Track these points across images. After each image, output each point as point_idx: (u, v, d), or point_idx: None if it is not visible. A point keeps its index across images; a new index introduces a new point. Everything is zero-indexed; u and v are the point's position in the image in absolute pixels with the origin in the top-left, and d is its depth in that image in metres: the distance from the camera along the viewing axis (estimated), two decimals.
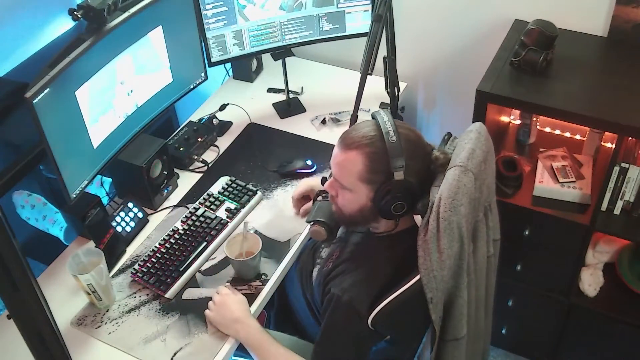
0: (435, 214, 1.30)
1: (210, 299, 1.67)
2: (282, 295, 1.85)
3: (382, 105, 2.29)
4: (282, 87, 2.31)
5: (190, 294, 1.71)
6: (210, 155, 2.14)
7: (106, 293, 1.65)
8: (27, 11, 2.17)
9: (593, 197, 1.97)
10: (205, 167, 2.08)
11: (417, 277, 1.34)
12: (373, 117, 1.42)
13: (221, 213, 1.89)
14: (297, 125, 2.24)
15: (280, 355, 1.49)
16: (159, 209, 1.96)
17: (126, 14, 1.66)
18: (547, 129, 2.26)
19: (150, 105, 1.90)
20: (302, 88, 2.41)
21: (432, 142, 1.48)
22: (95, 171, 1.74)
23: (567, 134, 2.24)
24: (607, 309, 2.11)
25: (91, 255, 1.64)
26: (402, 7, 2.22)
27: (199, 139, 2.13)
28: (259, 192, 1.96)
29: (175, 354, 1.56)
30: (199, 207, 1.90)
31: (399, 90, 2.15)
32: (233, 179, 1.99)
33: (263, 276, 1.73)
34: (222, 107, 2.28)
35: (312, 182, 1.86)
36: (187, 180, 2.05)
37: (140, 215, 1.89)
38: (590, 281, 2.13)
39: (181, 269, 1.73)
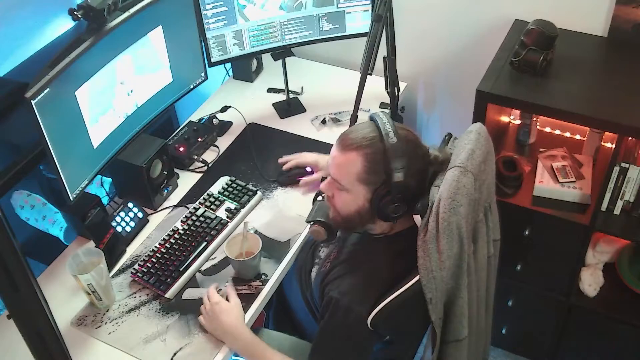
0: (434, 214, 1.30)
1: None
2: (281, 294, 1.86)
3: (382, 105, 2.29)
4: (282, 87, 2.32)
5: (190, 294, 1.71)
6: (210, 155, 2.14)
7: (106, 293, 1.65)
8: (27, 11, 2.17)
9: (593, 197, 1.97)
10: (205, 167, 2.08)
11: (417, 278, 1.34)
12: (371, 119, 1.42)
13: (221, 213, 1.89)
14: (297, 125, 2.24)
15: None
16: (159, 209, 1.96)
17: (126, 14, 1.66)
18: (547, 129, 2.26)
19: (150, 105, 1.90)
20: (302, 88, 2.41)
21: (432, 142, 1.48)
22: (95, 171, 1.74)
23: (567, 134, 2.24)
24: (607, 309, 2.11)
25: (91, 255, 1.64)
26: (402, 7, 2.22)
27: (199, 139, 2.13)
28: (259, 192, 1.96)
29: (175, 354, 1.56)
30: (199, 207, 1.90)
31: (399, 90, 2.15)
32: (233, 179, 1.99)
33: (263, 276, 1.73)
34: (224, 109, 2.28)
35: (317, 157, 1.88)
36: (187, 180, 2.05)
37: (140, 215, 1.89)
38: (590, 281, 2.13)
39: (181, 269, 1.73)
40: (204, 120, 2.21)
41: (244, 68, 2.45)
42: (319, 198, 1.63)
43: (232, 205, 1.91)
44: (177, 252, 1.77)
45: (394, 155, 1.33)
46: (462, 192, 1.29)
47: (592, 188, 1.99)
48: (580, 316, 2.16)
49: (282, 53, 2.22)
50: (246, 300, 1.65)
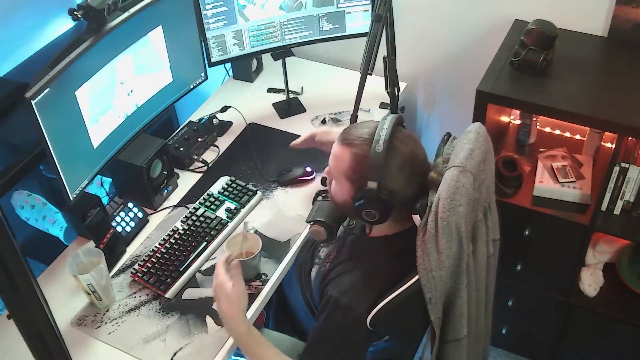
0: (433, 214, 1.30)
1: (210, 299, 1.67)
2: (281, 294, 1.86)
3: (382, 105, 2.29)
4: (282, 87, 2.32)
5: (190, 294, 1.71)
6: (210, 155, 2.14)
7: (106, 293, 1.65)
8: (27, 11, 2.17)
9: (593, 197, 1.97)
10: (205, 167, 2.08)
11: (416, 278, 1.34)
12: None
13: (221, 213, 1.89)
14: (297, 125, 2.24)
15: (268, 357, 1.47)
16: (159, 209, 1.96)
17: (126, 14, 1.66)
18: (547, 129, 2.26)
19: (150, 105, 1.90)
20: (302, 88, 2.41)
21: (432, 142, 1.48)
22: (95, 171, 1.74)
23: (567, 134, 2.24)
24: (607, 309, 2.11)
25: (91, 255, 1.65)
26: (402, 7, 2.22)
27: (199, 139, 2.13)
28: (259, 192, 1.96)
29: (175, 354, 1.56)
30: (199, 207, 1.90)
31: (399, 90, 2.15)
32: (233, 179, 1.99)
33: (263, 276, 1.73)
34: (224, 109, 2.28)
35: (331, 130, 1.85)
36: (187, 180, 2.05)
37: (140, 215, 1.89)
38: (590, 281, 2.13)
39: (181, 269, 1.73)
40: (204, 120, 2.21)
41: (244, 68, 2.45)
42: (319, 198, 1.63)
43: (232, 205, 1.91)
44: (177, 252, 1.77)
45: (373, 164, 1.33)
46: (461, 191, 1.29)
47: (592, 188, 1.99)
48: (580, 316, 2.16)
49: (282, 53, 2.22)
50: None
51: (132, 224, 1.86)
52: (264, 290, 1.70)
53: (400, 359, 1.61)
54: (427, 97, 2.51)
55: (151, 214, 1.94)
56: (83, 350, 1.59)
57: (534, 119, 2.17)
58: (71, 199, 1.65)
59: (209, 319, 1.64)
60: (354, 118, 2.01)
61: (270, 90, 2.43)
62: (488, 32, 2.17)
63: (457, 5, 2.18)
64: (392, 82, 2.09)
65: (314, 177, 2.02)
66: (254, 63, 2.46)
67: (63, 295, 1.72)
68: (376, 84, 2.13)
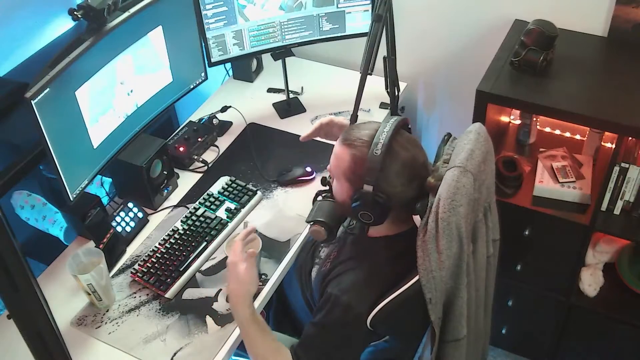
0: (434, 214, 1.30)
1: (210, 299, 1.67)
2: (281, 294, 1.86)
3: (382, 105, 2.29)
4: (282, 87, 2.32)
5: (190, 294, 1.71)
6: (210, 155, 2.14)
7: (106, 293, 1.65)
8: (27, 11, 2.17)
9: (593, 197, 1.97)
10: (205, 167, 2.08)
11: (416, 278, 1.34)
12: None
13: (221, 213, 1.89)
14: (297, 125, 2.24)
15: (266, 346, 1.47)
16: (159, 209, 1.96)
17: (126, 14, 1.66)
18: (547, 129, 2.26)
19: (150, 105, 1.90)
20: (302, 88, 2.41)
21: (432, 142, 1.48)
22: (95, 171, 1.74)
23: (567, 134, 2.24)
24: (607, 309, 2.11)
25: (91, 255, 1.65)
26: (402, 7, 2.22)
27: (199, 139, 2.13)
28: (259, 192, 1.96)
29: (175, 354, 1.56)
30: (199, 207, 1.90)
31: (399, 90, 2.15)
32: (233, 179, 1.99)
33: (263, 276, 1.73)
34: (224, 109, 2.28)
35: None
36: (187, 180, 2.05)
37: (140, 215, 1.89)
38: (590, 281, 2.13)
39: (181, 269, 1.73)
40: (204, 120, 2.21)
41: (244, 68, 2.45)
42: (319, 198, 1.63)
43: (232, 205, 1.91)
44: (177, 252, 1.77)
45: (370, 167, 1.34)
46: (461, 192, 1.29)
47: (592, 188, 1.99)
48: (580, 316, 2.16)
49: (282, 53, 2.22)
50: None
51: (132, 224, 1.86)
52: (264, 290, 1.70)
53: (400, 359, 1.61)
54: (427, 97, 2.51)
55: (151, 214, 1.94)
56: (83, 350, 1.59)
57: (534, 119, 2.17)
58: (71, 199, 1.65)
59: (209, 319, 1.64)
60: (354, 118, 2.01)
61: (270, 90, 2.43)
62: (488, 32, 2.17)
63: (457, 5, 2.18)
64: (392, 82, 2.09)
65: (314, 177, 2.02)
66: (254, 63, 2.46)
67: (63, 295, 1.72)
68: (376, 84, 2.13)
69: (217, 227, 1.84)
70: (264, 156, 2.12)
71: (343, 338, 1.41)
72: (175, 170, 2.04)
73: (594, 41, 2.03)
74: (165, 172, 1.95)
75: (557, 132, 2.25)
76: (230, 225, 1.87)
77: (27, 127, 1.49)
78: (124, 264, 1.80)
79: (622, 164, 1.84)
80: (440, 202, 1.28)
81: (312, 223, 1.56)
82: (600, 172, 2.02)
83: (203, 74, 2.07)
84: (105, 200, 1.97)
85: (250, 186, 1.97)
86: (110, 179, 2.07)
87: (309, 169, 2.01)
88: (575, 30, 2.05)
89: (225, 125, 2.24)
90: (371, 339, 1.46)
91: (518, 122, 2.25)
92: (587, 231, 1.95)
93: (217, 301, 1.68)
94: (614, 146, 1.83)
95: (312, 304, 1.65)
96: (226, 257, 1.72)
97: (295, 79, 2.37)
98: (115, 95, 1.74)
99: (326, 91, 2.40)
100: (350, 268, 1.46)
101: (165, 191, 1.98)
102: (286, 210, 1.93)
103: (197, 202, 1.93)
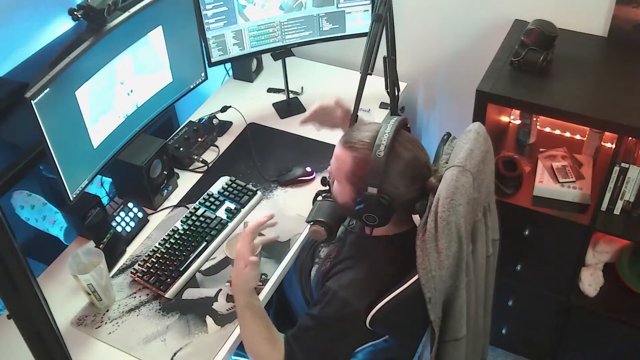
0: (433, 214, 1.30)
1: (210, 299, 1.67)
2: (281, 294, 1.86)
3: (382, 105, 2.29)
4: (282, 87, 2.32)
5: (190, 294, 1.71)
6: (210, 155, 2.14)
7: (106, 293, 1.65)
8: (27, 11, 2.17)
9: (593, 197, 1.97)
10: (205, 167, 2.08)
11: (416, 277, 1.34)
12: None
13: (221, 213, 1.89)
14: (297, 125, 2.22)
15: (258, 333, 1.47)
16: (159, 209, 1.96)
17: (126, 14, 1.66)
18: (547, 129, 2.26)
19: (150, 105, 1.90)
20: (302, 88, 2.41)
21: (432, 142, 1.47)
22: (95, 171, 1.74)
23: (567, 134, 2.24)
24: (607, 309, 2.11)
25: (91, 255, 1.65)
26: (402, 7, 2.22)
27: (199, 139, 2.13)
28: (259, 192, 1.96)
29: (175, 354, 1.56)
30: (199, 207, 1.90)
31: (399, 90, 2.15)
32: (233, 179, 1.99)
33: (263, 276, 1.73)
34: (224, 109, 2.28)
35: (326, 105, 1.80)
36: (187, 180, 2.05)
37: (140, 215, 1.89)
38: (590, 281, 2.13)
39: (181, 269, 1.73)
40: (204, 120, 2.21)
41: (244, 68, 2.45)
42: (319, 198, 1.63)
43: (232, 205, 1.91)
44: (177, 252, 1.77)
45: (374, 170, 1.33)
46: (460, 191, 1.29)
47: (592, 188, 1.99)
48: (580, 316, 2.16)
49: (282, 53, 2.22)
50: None
51: (132, 224, 1.86)
52: (264, 290, 1.70)
53: (399, 359, 1.61)
54: (427, 97, 2.51)
55: (151, 214, 1.94)
56: (83, 350, 1.59)
57: (534, 119, 2.17)
58: (71, 199, 1.65)
59: (209, 319, 1.64)
60: (354, 118, 2.01)
61: (270, 90, 2.43)
62: (488, 32, 2.17)
63: (457, 5, 2.18)
64: (392, 82, 2.08)
65: (314, 177, 2.02)
66: (254, 63, 2.46)
67: (63, 295, 1.72)
68: (376, 84, 2.13)
69: (217, 227, 1.84)
70: (264, 156, 2.12)
71: (337, 332, 1.40)
72: (175, 170, 2.04)
73: (594, 41, 2.03)
74: (165, 172, 1.95)
75: (557, 132, 2.25)
76: (230, 225, 1.87)
77: (27, 127, 1.49)
78: (124, 264, 1.80)
79: (622, 164, 1.84)
80: (439, 201, 1.28)
81: (312, 223, 1.56)
82: (600, 172, 2.02)
83: (203, 74, 2.07)
84: (105, 200, 1.97)
85: (250, 186, 1.97)
86: (110, 179, 2.07)
87: (309, 169, 2.01)
88: (575, 30, 2.05)
89: (225, 125, 2.24)
90: (369, 338, 1.45)
91: (518, 122, 2.25)
92: (587, 231, 1.95)
93: (217, 301, 1.68)
94: (614, 146, 1.83)
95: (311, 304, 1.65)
96: (226, 257, 1.73)
97: (295, 79, 2.37)
98: (115, 95, 1.74)
99: (326, 91, 2.39)
100: (350, 266, 1.46)
101: (165, 191, 1.98)
102: (286, 210, 1.93)
103: (197, 202, 1.93)
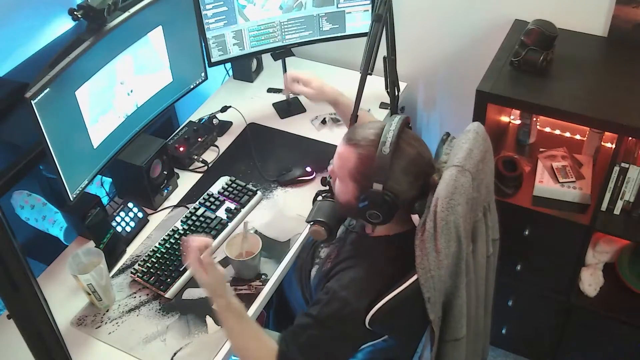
0: (432, 213, 1.30)
1: (210, 299, 1.67)
2: (281, 294, 1.86)
3: (382, 105, 2.29)
4: (282, 87, 2.31)
5: (190, 294, 1.71)
6: (210, 155, 2.14)
7: (106, 293, 1.65)
8: (27, 11, 2.17)
9: (593, 197, 1.97)
10: (205, 167, 2.08)
11: (415, 277, 1.34)
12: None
13: (221, 213, 1.89)
14: (297, 125, 2.24)
15: (246, 334, 1.43)
16: (159, 209, 1.96)
17: (126, 14, 1.66)
18: (547, 129, 2.26)
19: (150, 105, 1.90)
20: None
21: (432, 142, 1.47)
22: (95, 171, 1.74)
23: (567, 134, 2.24)
24: (607, 309, 2.11)
25: (91, 255, 1.65)
26: (402, 7, 2.22)
27: (199, 139, 2.13)
28: (259, 192, 1.96)
29: (175, 354, 1.56)
30: (199, 207, 1.90)
31: (399, 90, 2.14)
32: (233, 179, 1.99)
33: (263, 276, 1.73)
34: (224, 109, 2.28)
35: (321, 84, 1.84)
36: (187, 180, 2.05)
37: (140, 215, 1.89)
38: (590, 281, 2.13)
39: (181, 269, 1.73)
40: (204, 120, 2.21)
41: (244, 68, 2.45)
42: (319, 198, 1.63)
43: (232, 205, 1.91)
44: (177, 252, 1.77)
45: (379, 166, 1.33)
46: (459, 191, 1.29)
47: (592, 188, 1.99)
48: (580, 316, 2.16)
49: (282, 53, 2.22)
50: (246, 300, 1.65)
51: (132, 224, 1.86)
52: (264, 290, 1.70)
53: (399, 359, 1.61)
54: (427, 97, 2.51)
55: (151, 214, 1.94)
56: (83, 350, 1.59)
57: (534, 119, 2.17)
58: (71, 199, 1.65)
59: (209, 319, 1.64)
60: (354, 118, 2.01)
61: (270, 90, 2.43)
62: (488, 32, 2.17)
63: (457, 5, 2.18)
64: (392, 82, 2.08)
65: (314, 177, 2.02)
66: (254, 63, 2.46)
67: (63, 295, 1.72)
68: (376, 84, 2.13)
69: (217, 227, 1.84)
70: (264, 156, 2.12)
71: (337, 332, 1.40)
72: (175, 170, 2.04)
73: (594, 41, 2.03)
74: (165, 172, 1.95)
75: (557, 132, 2.25)
76: (230, 225, 1.87)
77: (27, 127, 1.49)
78: (124, 264, 1.80)
79: (622, 164, 1.84)
80: (438, 201, 1.28)
81: (312, 223, 1.56)
82: (600, 172, 2.02)
83: (203, 74, 2.07)
84: (105, 200, 1.97)
85: (250, 186, 1.97)
86: (110, 179, 2.07)
87: (309, 169, 2.01)
88: (575, 30, 2.05)
89: (225, 125, 2.24)
90: (369, 338, 1.45)
91: (518, 122, 2.25)
92: (587, 231, 1.95)
93: None
94: (614, 146, 1.83)
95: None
96: (226, 257, 1.73)
97: None
98: (115, 95, 1.74)
99: None
100: (351, 266, 1.46)
101: (165, 191, 1.98)
102: (286, 210, 1.93)
103: (197, 202, 1.93)
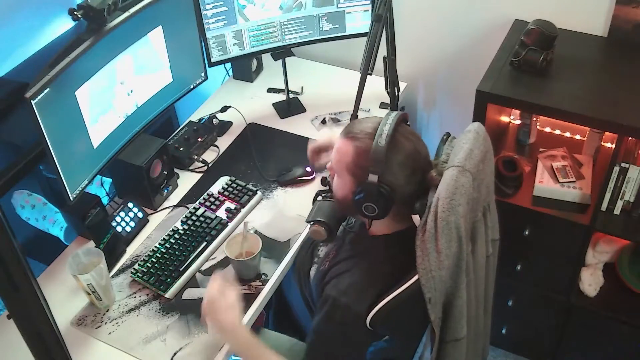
0: (433, 214, 1.30)
1: None
2: (281, 294, 1.86)
3: (382, 105, 2.29)
4: (282, 87, 2.32)
5: (190, 294, 1.71)
6: (210, 155, 2.14)
7: (106, 293, 1.65)
8: (27, 11, 2.17)
9: (593, 197, 1.97)
10: (205, 167, 2.08)
11: (416, 277, 1.34)
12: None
13: (221, 213, 1.89)
14: (297, 125, 2.24)
15: None
16: (159, 209, 1.96)
17: (126, 14, 1.66)
18: (547, 129, 2.26)
19: (150, 105, 1.90)
20: (302, 88, 2.41)
21: (432, 142, 1.47)
22: (95, 171, 1.74)
23: (567, 134, 2.24)
24: (607, 309, 2.11)
25: (91, 255, 1.65)
26: (402, 7, 2.22)
27: (199, 139, 2.13)
28: (259, 192, 1.96)
29: (175, 354, 1.56)
30: (199, 207, 1.90)
31: (399, 90, 2.15)
32: (233, 179, 1.99)
33: (263, 276, 1.73)
34: (224, 109, 2.28)
35: (331, 135, 1.77)
36: (187, 180, 2.05)
37: (140, 215, 1.89)
38: (590, 281, 2.13)
39: (181, 269, 1.73)
40: (204, 120, 2.21)
41: (244, 68, 2.45)
42: (319, 198, 1.63)
43: (232, 205, 1.91)
44: (177, 252, 1.77)
45: (375, 158, 1.33)
46: (460, 191, 1.29)
47: (592, 188, 1.99)
48: (580, 316, 2.16)
49: (282, 53, 2.22)
50: (246, 300, 1.65)
51: (132, 224, 1.86)
52: (264, 290, 1.70)
53: (399, 359, 1.61)
54: (427, 97, 2.51)
55: (151, 214, 1.94)
56: (83, 350, 1.59)
57: (534, 119, 2.17)
58: (71, 199, 1.65)
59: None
60: (354, 118, 2.01)
61: (270, 90, 2.43)
62: (488, 32, 2.17)
63: (457, 5, 2.18)
64: (392, 82, 2.09)
65: (314, 177, 2.02)
66: (254, 63, 2.46)
67: (63, 295, 1.72)
68: (376, 84, 2.13)
69: (217, 227, 1.84)
70: (264, 156, 2.12)
71: (345, 339, 1.41)
72: (175, 170, 2.04)
73: (594, 41, 2.03)
74: (165, 172, 1.95)
75: (557, 132, 2.25)
76: (230, 225, 1.87)
77: (27, 127, 1.49)
78: (124, 264, 1.80)
79: (622, 164, 1.84)
80: (439, 201, 1.28)
81: (312, 223, 1.56)
82: (600, 172, 2.02)
83: (203, 74, 2.07)
84: (105, 200, 1.97)
85: (250, 186, 1.97)
86: (110, 179, 2.07)
87: (309, 169, 2.01)
88: (575, 30, 2.05)
89: (225, 125, 2.24)
90: (371, 338, 1.45)
91: (518, 122, 2.25)
92: (587, 231, 1.95)
93: None
94: (614, 146, 1.83)
95: (311, 303, 1.65)
96: (226, 257, 1.72)
97: (295, 79, 2.37)
98: (115, 95, 1.74)
99: (326, 91, 2.40)
100: (349, 269, 1.46)
101: (165, 191, 1.98)
102: (286, 210, 1.93)
103: (197, 202, 1.93)
